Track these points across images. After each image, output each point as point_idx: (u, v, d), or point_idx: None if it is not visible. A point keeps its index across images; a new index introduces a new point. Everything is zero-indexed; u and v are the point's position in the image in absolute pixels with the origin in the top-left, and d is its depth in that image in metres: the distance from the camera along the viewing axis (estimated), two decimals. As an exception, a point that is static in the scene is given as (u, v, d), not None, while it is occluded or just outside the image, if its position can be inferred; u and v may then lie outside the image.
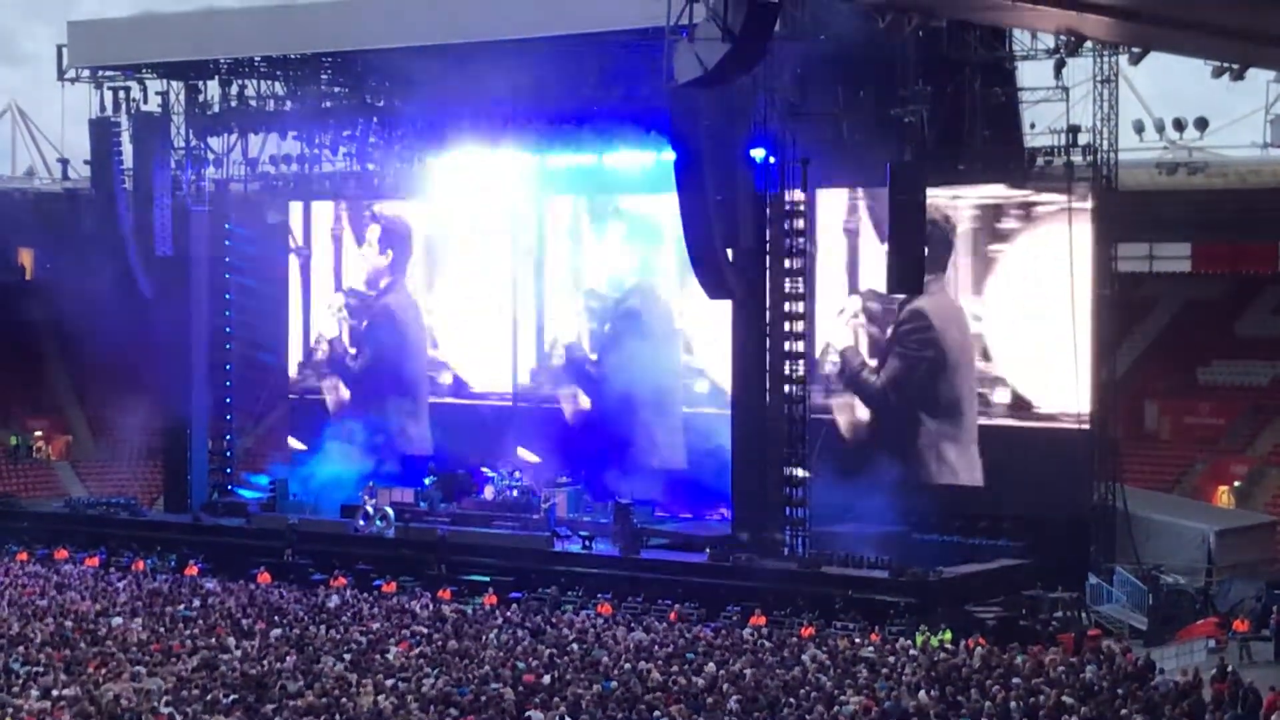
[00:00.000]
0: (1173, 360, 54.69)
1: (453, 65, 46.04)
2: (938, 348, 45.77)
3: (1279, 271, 56.98)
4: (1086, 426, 43.69)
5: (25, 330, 65.80)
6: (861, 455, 46.10)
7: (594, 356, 51.76)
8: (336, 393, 56.51)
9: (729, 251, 42.35)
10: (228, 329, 55.64)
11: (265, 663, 30.65)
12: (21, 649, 31.42)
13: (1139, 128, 47.73)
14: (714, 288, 42.92)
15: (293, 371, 57.57)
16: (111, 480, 62.51)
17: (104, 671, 29.29)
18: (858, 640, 35.47)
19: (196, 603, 39.43)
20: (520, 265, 53.10)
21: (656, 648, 33.52)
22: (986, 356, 45.13)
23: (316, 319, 56.78)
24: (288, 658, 31.32)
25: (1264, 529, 45.95)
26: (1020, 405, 44.62)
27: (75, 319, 57.60)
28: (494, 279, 53.51)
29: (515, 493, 47.89)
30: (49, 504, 57.19)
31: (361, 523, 48.05)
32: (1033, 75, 44.60)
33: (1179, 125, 47.96)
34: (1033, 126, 45.41)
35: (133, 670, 29.30)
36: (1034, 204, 44.36)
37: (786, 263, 43.40)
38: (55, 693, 27.08)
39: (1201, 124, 47.70)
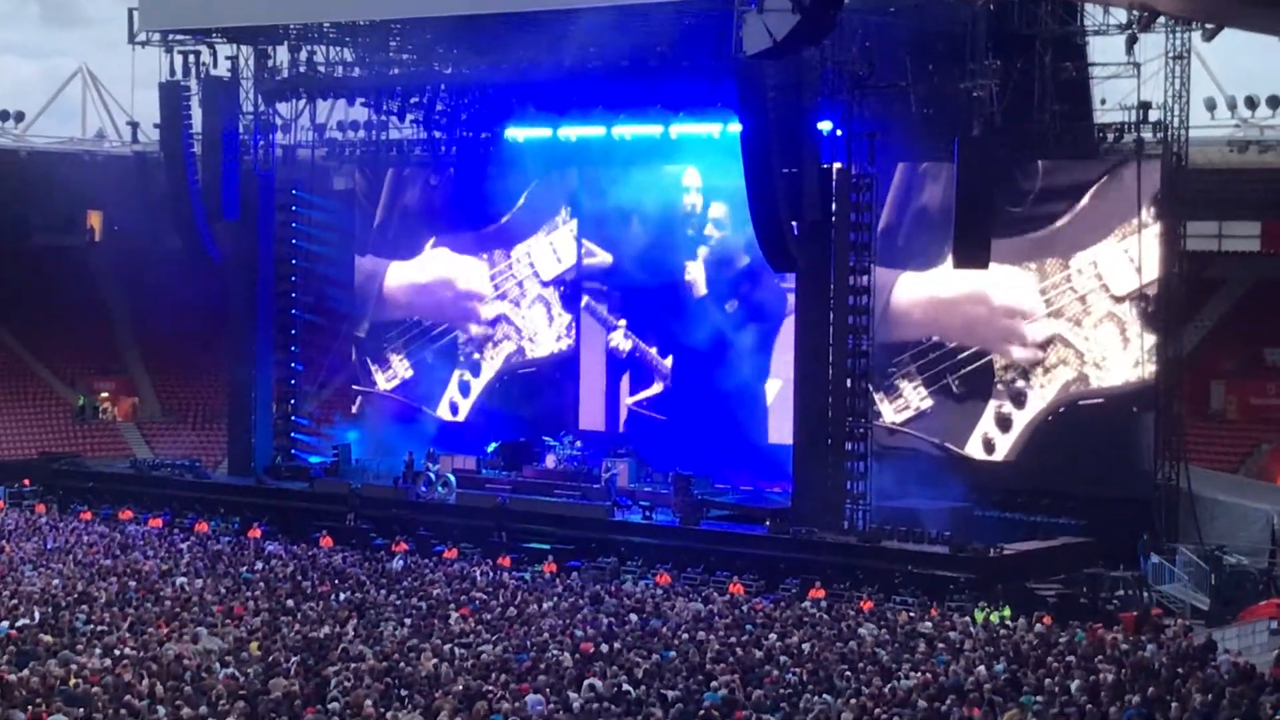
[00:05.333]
0: (1240, 340, 54.26)
1: (520, 34, 46.09)
2: (998, 324, 45.61)
3: (1350, 252, 56.45)
4: (1151, 406, 43.44)
5: (93, 292, 66.42)
6: (921, 430, 46.10)
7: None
8: (397, 359, 56.78)
9: (794, 224, 42.24)
10: (293, 294, 55.91)
11: (327, 626, 30.86)
12: (86, 608, 31.74)
13: (1210, 105, 47.31)
14: (778, 260, 42.87)
15: (358, 335, 57.91)
16: (176, 442, 63.03)
17: (166, 631, 29.57)
18: (916, 615, 35.42)
19: (259, 565, 39.73)
20: (583, 231, 53.29)
21: (716, 619, 33.56)
22: (1051, 333, 44.86)
23: (380, 286, 57.06)
24: (349, 621, 31.54)
25: (1329, 511, 45.54)
26: (1084, 383, 44.35)
27: (143, 281, 58.19)
28: (553, 247, 53.76)
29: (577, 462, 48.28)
30: (114, 464, 57.77)
31: (423, 489, 48.33)
32: (1104, 51, 44.27)
33: (1251, 103, 47.53)
34: (1103, 102, 45.08)
35: (194, 631, 29.57)
36: (1103, 180, 44.04)
37: (852, 236, 43.33)
38: (118, 651, 27.35)
39: (1274, 102, 47.28)
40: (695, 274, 50.80)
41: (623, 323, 52.56)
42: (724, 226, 50.09)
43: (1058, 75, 43.47)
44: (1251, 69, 46.52)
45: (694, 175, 50.49)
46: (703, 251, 50.70)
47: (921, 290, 46.22)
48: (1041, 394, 44.88)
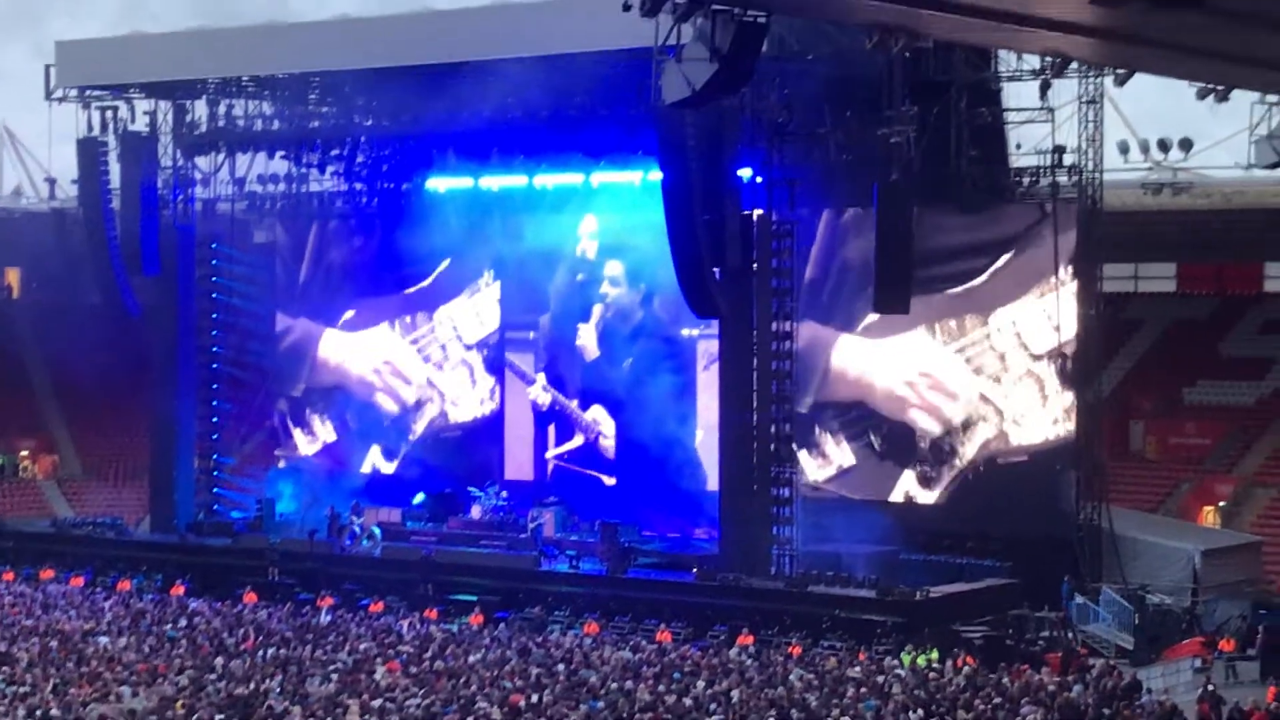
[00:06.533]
0: (1158, 380, 54.80)
1: (440, 85, 46.08)
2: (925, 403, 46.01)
3: (1264, 291, 57.14)
4: (1073, 464, 43.78)
5: (12, 349, 65.76)
6: (844, 487, 46.40)
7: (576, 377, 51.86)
8: (319, 421, 56.47)
9: (716, 271, 42.36)
10: (215, 349, 55.50)
11: (252, 683, 30.60)
12: (8, 669, 31.36)
13: (1124, 148, 47.95)
14: (702, 306, 42.98)
15: (280, 393, 57.50)
16: (98, 500, 62.35)
17: (90, 691, 29.24)
18: (845, 660, 35.48)
19: (183, 622, 39.37)
20: (506, 287, 53.20)
21: (644, 667, 33.50)
22: (972, 392, 45.21)
23: (312, 353, 56.75)
24: (274, 678, 31.27)
25: (1249, 549, 45.99)
26: (1004, 441, 44.72)
27: (62, 338, 57.64)
28: (476, 310, 53.74)
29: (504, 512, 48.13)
30: (35, 523, 56.98)
31: (348, 542, 48.05)
32: (1018, 96, 44.85)
33: (1164, 146, 48.20)
34: (1019, 147, 45.64)
35: (118, 690, 29.26)
36: (1021, 237, 44.39)
37: (774, 283, 43.52)
38: (40, 713, 27.03)
39: (1186, 145, 47.93)
40: (586, 338, 50.93)
41: (541, 376, 52.50)
42: (619, 283, 50.28)
43: (973, 121, 43.97)
44: (1163, 112, 47.12)
45: (592, 223, 50.62)
46: (608, 296, 50.83)
47: (857, 359, 46.76)
48: (962, 452, 45.27)
